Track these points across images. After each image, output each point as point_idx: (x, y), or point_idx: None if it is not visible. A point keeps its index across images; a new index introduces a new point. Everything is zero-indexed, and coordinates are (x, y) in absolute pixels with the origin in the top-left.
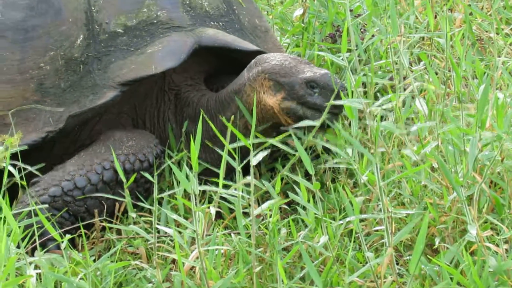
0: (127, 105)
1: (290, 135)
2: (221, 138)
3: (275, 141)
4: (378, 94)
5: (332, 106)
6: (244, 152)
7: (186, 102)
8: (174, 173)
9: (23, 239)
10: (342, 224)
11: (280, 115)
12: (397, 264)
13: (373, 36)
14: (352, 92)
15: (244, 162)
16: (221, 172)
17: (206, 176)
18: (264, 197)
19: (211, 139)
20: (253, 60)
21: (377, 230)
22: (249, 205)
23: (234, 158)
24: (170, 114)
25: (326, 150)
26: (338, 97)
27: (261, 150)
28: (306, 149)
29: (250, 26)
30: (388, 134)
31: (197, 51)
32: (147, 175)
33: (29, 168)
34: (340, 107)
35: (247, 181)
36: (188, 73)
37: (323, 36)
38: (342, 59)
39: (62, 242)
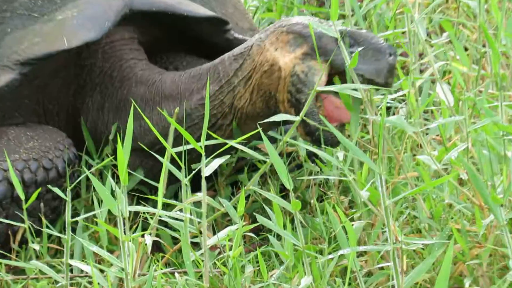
0: (29, 91)
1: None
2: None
3: (234, 143)
4: None
5: (379, 71)
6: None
7: (119, 85)
8: (94, 188)
9: None
10: (332, 259)
11: (285, 88)
12: None
13: None
14: (347, 75)
15: (194, 171)
16: (161, 185)
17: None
18: (222, 221)
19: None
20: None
21: (381, 268)
22: (200, 232)
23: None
24: (93, 103)
25: (312, 157)
26: (388, 69)
27: (219, 154)
28: (282, 155)
29: None
30: (399, 134)
31: (129, 18)
32: (55, 189)
33: None
34: (394, 74)
35: (197, 199)
36: (120, 43)
37: None
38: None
39: None
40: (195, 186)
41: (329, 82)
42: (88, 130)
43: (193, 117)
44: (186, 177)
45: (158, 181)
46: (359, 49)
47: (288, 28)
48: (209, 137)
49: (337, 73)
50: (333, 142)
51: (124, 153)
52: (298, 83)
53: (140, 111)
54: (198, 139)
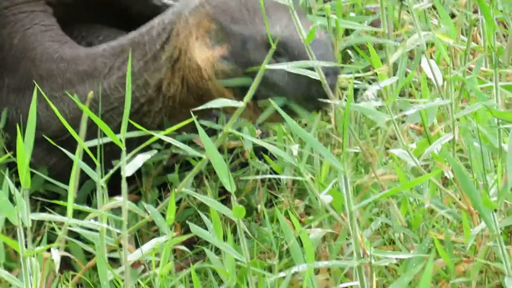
0: None
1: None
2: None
3: (162, 135)
4: (350, 52)
5: (307, 96)
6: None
7: (21, 56)
8: None
9: None
10: (284, 277)
11: (212, 84)
12: None
13: None
14: (299, 49)
15: (113, 171)
16: (71, 188)
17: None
18: (147, 232)
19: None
20: None
21: None
22: (120, 245)
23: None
24: None
25: (260, 152)
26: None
27: (143, 149)
28: (222, 150)
29: None
30: (368, 122)
31: None
32: None
33: None
34: (320, 98)
35: (116, 204)
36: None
37: None
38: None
39: None
40: (115, 188)
41: None
42: None
43: (111, 99)
44: (102, 177)
45: (66, 182)
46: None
47: (213, 12)
48: (132, 127)
49: None
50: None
51: (24, 148)
52: (223, 77)
53: (43, 93)
54: (118, 128)
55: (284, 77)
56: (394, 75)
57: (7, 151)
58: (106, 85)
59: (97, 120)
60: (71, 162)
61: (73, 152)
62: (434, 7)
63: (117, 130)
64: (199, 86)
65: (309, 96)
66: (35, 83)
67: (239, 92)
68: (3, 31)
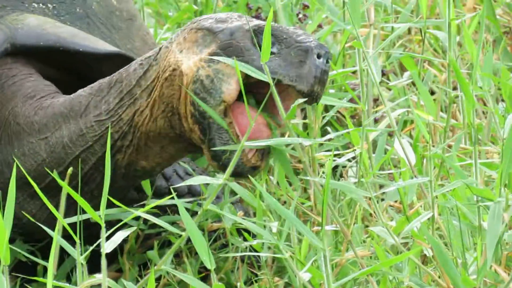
0: None
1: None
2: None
3: (142, 213)
4: (328, 129)
5: (302, 75)
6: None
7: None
8: None
9: None
10: None
11: (187, 100)
12: None
13: (319, 26)
14: (281, 126)
15: (91, 248)
16: (50, 264)
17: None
18: None
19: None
20: None
21: None
22: None
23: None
24: None
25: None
26: (314, 74)
27: (121, 226)
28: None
29: (102, 10)
30: (347, 200)
31: (12, 54)
32: None
33: None
34: (323, 81)
35: (95, 282)
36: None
37: None
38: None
39: None
40: (95, 261)
41: (247, 90)
42: None
43: (87, 138)
44: (81, 253)
45: (50, 228)
46: (280, 48)
47: (197, 24)
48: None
49: (257, 81)
50: (244, 171)
51: (5, 224)
52: (202, 92)
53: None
54: (92, 168)
55: (274, 61)
56: (373, 152)
57: None
58: (82, 124)
59: (77, 197)
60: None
61: (54, 198)
62: (413, 83)
63: (91, 171)
64: (170, 117)
65: (302, 73)
66: (10, 126)
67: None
68: None
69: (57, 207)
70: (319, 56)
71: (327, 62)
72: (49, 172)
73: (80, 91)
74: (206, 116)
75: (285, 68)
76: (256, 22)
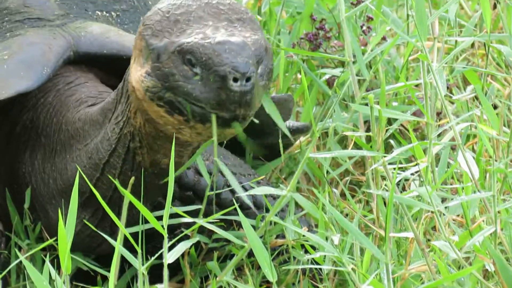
0: None
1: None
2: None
3: (205, 222)
4: (392, 142)
5: (220, 103)
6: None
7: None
8: (28, 275)
9: None
10: None
11: (150, 108)
12: None
13: (383, 39)
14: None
15: (153, 258)
16: (112, 274)
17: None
18: None
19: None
20: None
21: None
22: None
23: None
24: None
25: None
26: (231, 100)
27: (182, 237)
28: (264, 236)
29: None
30: (412, 214)
31: (74, 61)
32: None
33: None
34: (246, 103)
35: None
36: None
37: (295, 38)
38: (329, 82)
39: None
40: (157, 270)
41: None
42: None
43: (111, 140)
44: (143, 263)
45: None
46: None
47: (143, 30)
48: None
49: None
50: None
51: (66, 232)
52: (158, 98)
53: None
54: (122, 174)
55: (197, 85)
56: (436, 166)
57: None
58: (108, 128)
59: (139, 205)
60: (101, 220)
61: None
62: (476, 98)
63: (122, 176)
64: (150, 122)
65: (220, 101)
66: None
67: (169, 109)
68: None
69: (94, 216)
70: (235, 80)
71: (248, 80)
72: (87, 180)
73: (110, 95)
74: (176, 108)
75: (207, 94)
76: (182, 40)
